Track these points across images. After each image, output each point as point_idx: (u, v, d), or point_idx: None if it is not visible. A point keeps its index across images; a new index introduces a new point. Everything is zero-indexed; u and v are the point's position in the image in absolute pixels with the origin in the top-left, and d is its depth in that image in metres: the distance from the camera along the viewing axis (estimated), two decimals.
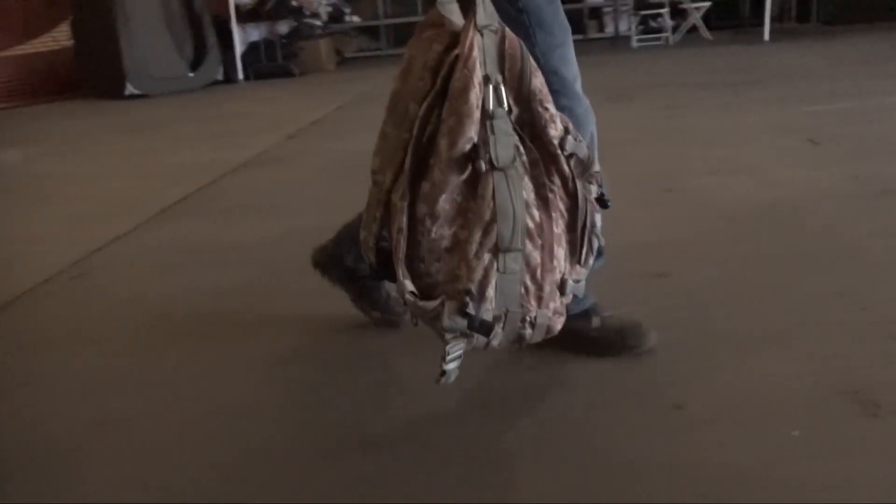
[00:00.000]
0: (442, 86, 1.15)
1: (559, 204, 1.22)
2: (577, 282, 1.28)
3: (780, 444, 1.19)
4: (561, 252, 1.23)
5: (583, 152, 1.25)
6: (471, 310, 1.12)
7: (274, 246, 2.44)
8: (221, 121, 5.48)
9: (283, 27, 8.33)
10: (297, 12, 8.12)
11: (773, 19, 8.17)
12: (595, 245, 1.30)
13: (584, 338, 1.51)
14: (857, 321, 1.59)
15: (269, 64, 8.03)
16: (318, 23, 8.38)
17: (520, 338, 1.21)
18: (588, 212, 1.27)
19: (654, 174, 2.96)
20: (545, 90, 1.22)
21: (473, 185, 1.14)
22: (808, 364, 1.43)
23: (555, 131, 1.21)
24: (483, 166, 1.13)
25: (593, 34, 9.73)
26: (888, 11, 8.06)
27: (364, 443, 1.30)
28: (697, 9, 8.21)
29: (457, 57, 1.14)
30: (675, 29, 8.34)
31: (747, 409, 1.30)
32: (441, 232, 1.15)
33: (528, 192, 1.17)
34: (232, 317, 1.89)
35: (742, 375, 1.41)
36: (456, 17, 1.20)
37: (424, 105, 1.16)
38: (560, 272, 1.24)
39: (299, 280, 1.85)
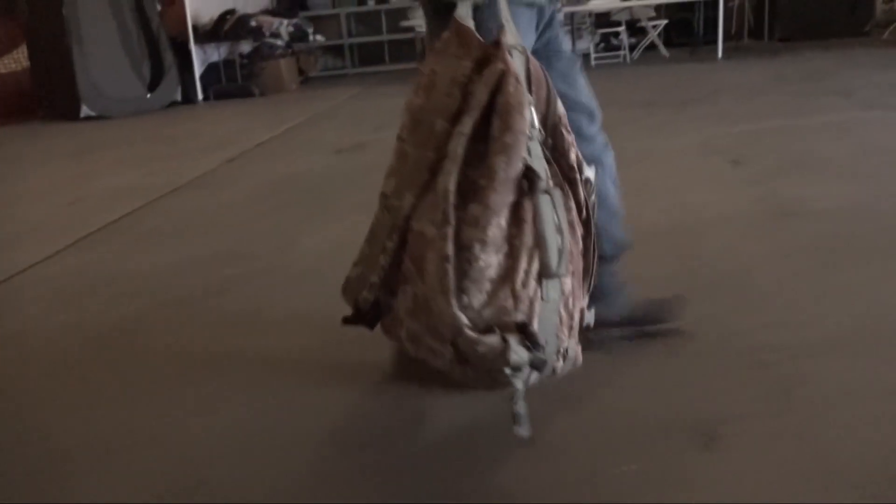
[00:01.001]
0: (489, 101, 1.08)
1: (577, 230, 1.19)
2: (589, 309, 1.24)
3: (615, 478, 1.19)
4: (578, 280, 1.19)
5: (593, 178, 1.22)
6: (530, 343, 1.04)
7: (174, 274, 2.44)
8: (170, 143, 5.46)
9: (245, 47, 8.34)
10: (257, 33, 8.14)
11: (728, 36, 8.28)
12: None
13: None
14: (721, 351, 1.60)
15: (228, 84, 8.02)
16: (279, 43, 8.40)
17: (553, 371, 1.13)
18: (594, 238, 1.23)
19: None
20: (565, 115, 1.19)
21: (515, 210, 1.08)
22: (652, 396, 1.44)
23: (574, 156, 1.19)
24: (543, 186, 1.07)
25: None
26: (840, 28, 8.20)
27: None
28: (654, 27, 8.32)
29: (502, 72, 1.08)
30: (633, 47, 8.43)
31: (589, 441, 1.30)
32: (489, 260, 1.05)
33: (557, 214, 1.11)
34: (109, 354, 1.87)
35: (590, 407, 1.42)
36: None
37: (471, 122, 1.07)
38: (582, 300, 1.19)
39: (181, 314, 1.85)
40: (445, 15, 1.18)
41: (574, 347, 1.17)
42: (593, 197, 1.24)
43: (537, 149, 1.11)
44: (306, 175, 3.89)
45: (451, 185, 1.05)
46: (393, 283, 1.16)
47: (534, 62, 1.16)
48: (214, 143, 5.28)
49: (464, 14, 1.16)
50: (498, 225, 1.06)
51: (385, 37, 9.57)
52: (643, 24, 8.33)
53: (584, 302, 1.23)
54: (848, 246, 2.18)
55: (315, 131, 5.30)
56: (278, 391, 1.58)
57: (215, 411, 1.52)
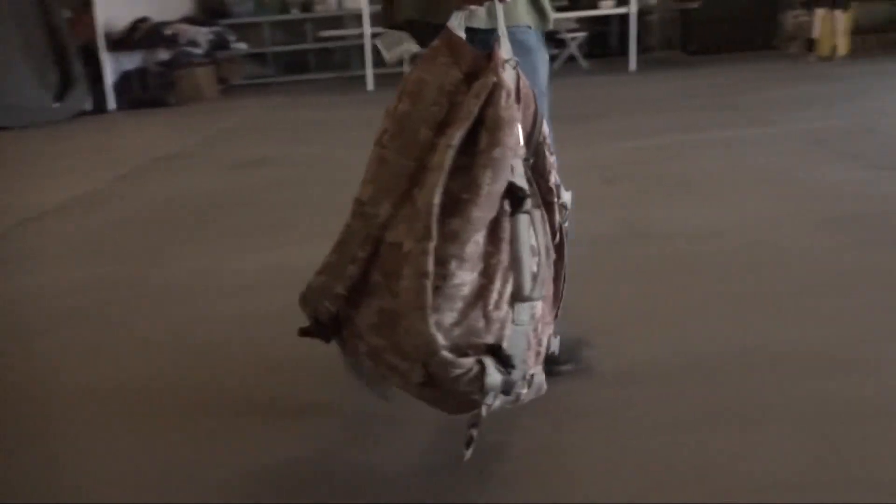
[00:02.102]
0: (479, 114, 1.05)
1: (551, 254, 1.17)
2: (555, 336, 1.21)
3: None
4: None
5: (569, 203, 1.20)
6: (504, 366, 1.01)
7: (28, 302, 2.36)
8: (64, 157, 5.30)
9: (163, 55, 8.16)
10: (172, 41, 7.97)
11: (645, 49, 8.48)
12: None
13: None
14: None
15: (142, 93, 7.84)
16: (196, 51, 8.24)
17: (517, 398, 1.09)
18: (566, 264, 1.21)
19: None
20: (549, 135, 1.18)
21: (494, 228, 1.06)
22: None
23: (553, 179, 1.17)
24: (527, 206, 1.05)
25: None
26: (751, 41, 8.48)
27: None
28: (573, 38, 8.46)
29: (494, 85, 1.06)
30: (553, 59, 8.56)
31: None
32: (464, 277, 1.02)
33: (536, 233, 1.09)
34: None
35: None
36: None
37: (460, 134, 1.04)
38: (550, 326, 1.17)
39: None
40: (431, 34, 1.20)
41: (539, 374, 1.14)
42: (567, 223, 1.23)
43: (520, 167, 1.09)
44: (195, 194, 3.81)
45: (437, 199, 1.02)
46: (357, 296, 1.10)
47: (524, 79, 1.15)
48: (112, 156, 5.15)
49: (455, 24, 1.15)
50: (476, 242, 1.03)
51: (310, 45, 9.50)
52: (562, 35, 8.46)
53: (552, 328, 1.21)
54: (680, 268, 2.24)
55: (222, 144, 5.20)
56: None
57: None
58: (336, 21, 9.10)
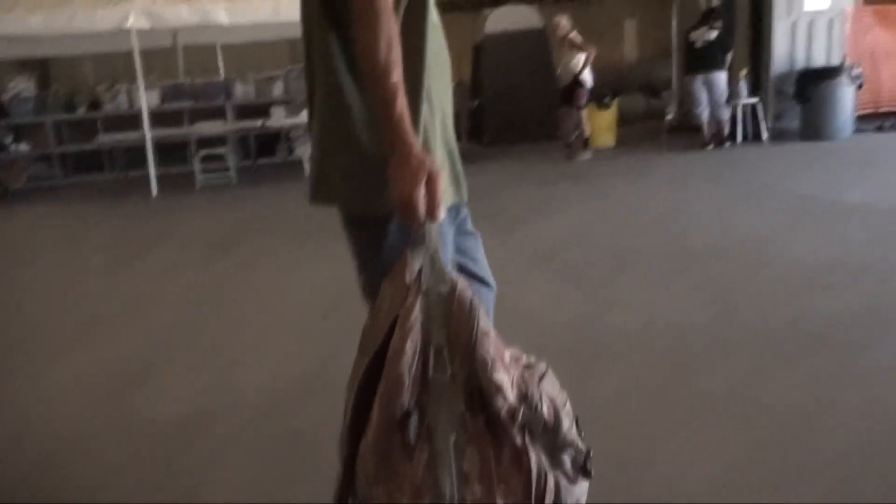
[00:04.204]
0: (381, 347, 1.10)
1: (510, 479, 1.08)
2: None
3: None
4: None
5: (540, 422, 1.11)
6: None
7: None
8: None
9: None
10: None
11: None
12: None
13: None
14: None
15: None
16: None
17: None
18: (547, 488, 1.09)
19: None
20: (497, 355, 1.11)
21: (408, 452, 1.07)
22: None
23: (504, 402, 1.09)
24: (412, 438, 1.07)
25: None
26: (537, 132, 9.03)
27: None
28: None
29: (403, 311, 1.09)
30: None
31: None
32: (375, 491, 1.09)
33: (471, 465, 1.07)
34: None
35: None
36: (416, 260, 1.14)
37: (366, 363, 1.11)
38: None
39: None
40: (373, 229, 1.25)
41: None
42: (569, 457, 1.12)
43: (447, 394, 1.08)
44: None
45: (347, 421, 1.13)
46: None
47: (461, 300, 1.11)
48: None
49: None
50: (378, 463, 1.08)
51: (102, 144, 9.04)
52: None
53: None
54: None
55: None
56: None
57: None
58: (128, 121, 8.69)
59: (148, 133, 7.65)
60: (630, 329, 2.92)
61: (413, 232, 1.15)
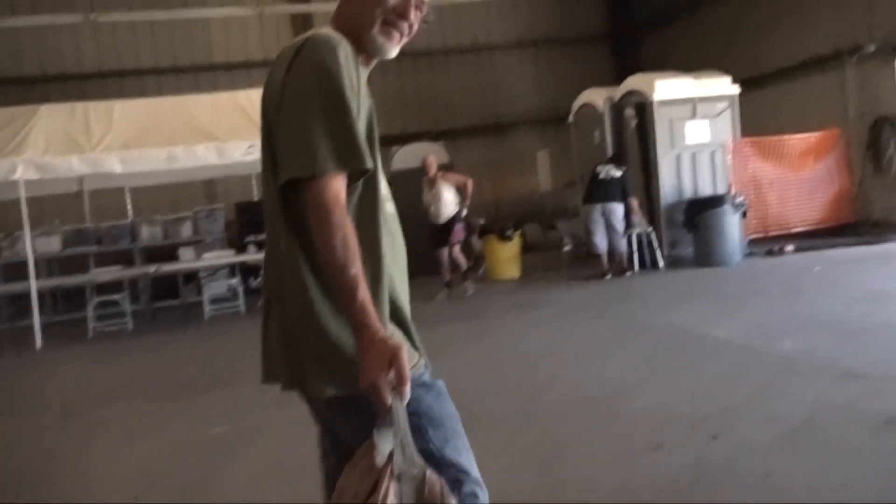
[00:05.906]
0: None
1: None
2: None
3: None
4: None
5: None
6: None
7: None
8: None
9: None
10: None
11: None
12: None
13: None
14: None
15: None
16: None
17: None
18: None
19: None
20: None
21: None
22: None
23: None
24: None
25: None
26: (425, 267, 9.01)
27: None
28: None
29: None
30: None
31: None
32: None
33: None
34: None
35: None
36: (384, 443, 1.18)
37: None
38: None
39: None
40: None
41: None
42: None
43: None
44: None
45: None
46: None
47: (431, 484, 1.17)
48: None
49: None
50: None
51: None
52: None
53: None
54: None
55: None
56: None
57: None
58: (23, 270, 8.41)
59: (33, 282, 7.40)
60: None
61: (381, 415, 1.20)
